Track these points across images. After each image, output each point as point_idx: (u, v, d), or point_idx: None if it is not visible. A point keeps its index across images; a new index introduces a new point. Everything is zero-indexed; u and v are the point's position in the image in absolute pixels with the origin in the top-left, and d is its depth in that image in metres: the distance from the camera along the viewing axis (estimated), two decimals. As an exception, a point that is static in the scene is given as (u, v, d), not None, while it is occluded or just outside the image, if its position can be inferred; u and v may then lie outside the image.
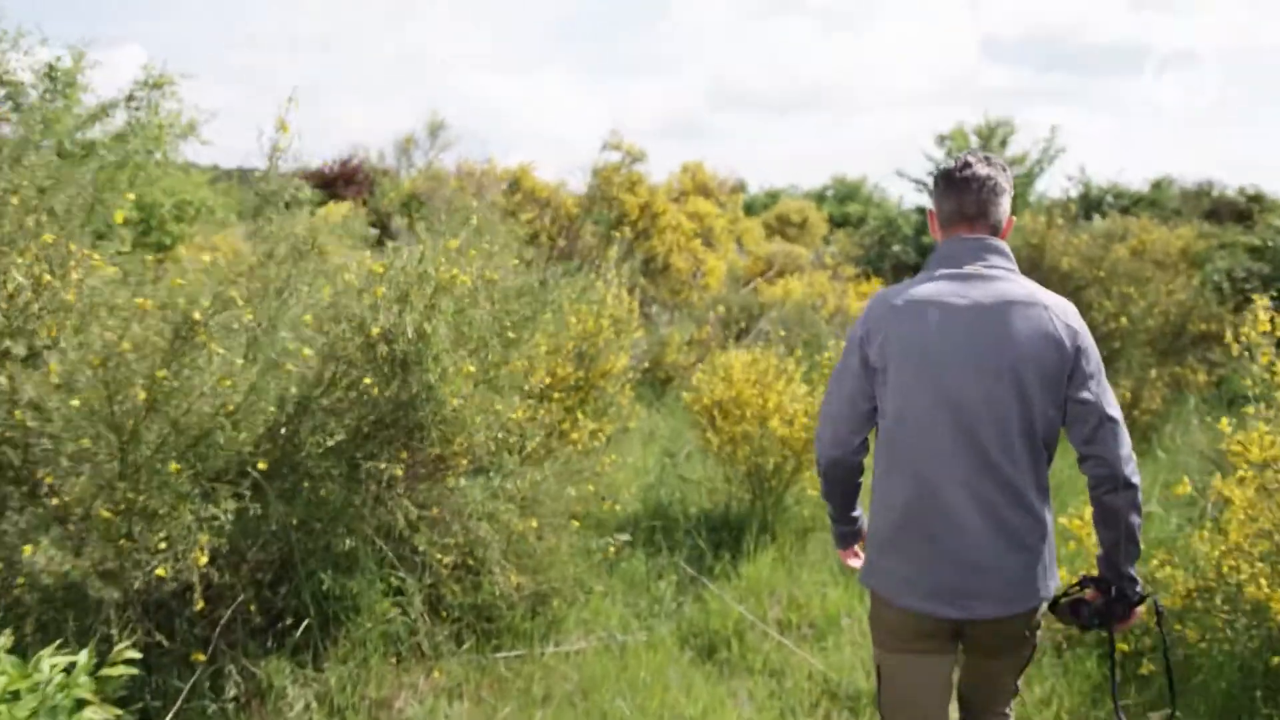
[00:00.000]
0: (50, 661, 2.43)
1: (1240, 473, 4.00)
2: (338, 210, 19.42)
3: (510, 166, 16.42)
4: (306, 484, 3.61)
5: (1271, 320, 4.08)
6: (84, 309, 3.27)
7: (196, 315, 2.98)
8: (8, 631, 2.50)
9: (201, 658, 3.47)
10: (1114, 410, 2.28)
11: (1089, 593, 2.38)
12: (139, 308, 2.95)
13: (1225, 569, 3.88)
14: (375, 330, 3.46)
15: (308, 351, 3.44)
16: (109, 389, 2.94)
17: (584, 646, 4.29)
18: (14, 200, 3.25)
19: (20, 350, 3.22)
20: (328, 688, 3.66)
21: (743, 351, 6.03)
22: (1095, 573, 2.41)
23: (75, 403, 3.01)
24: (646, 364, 8.63)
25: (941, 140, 19.47)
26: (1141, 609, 2.39)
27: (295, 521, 3.65)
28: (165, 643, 3.36)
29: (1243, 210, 13.49)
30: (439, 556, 3.85)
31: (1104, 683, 3.98)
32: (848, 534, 2.68)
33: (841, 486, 2.56)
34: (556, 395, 7.15)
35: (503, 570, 4.02)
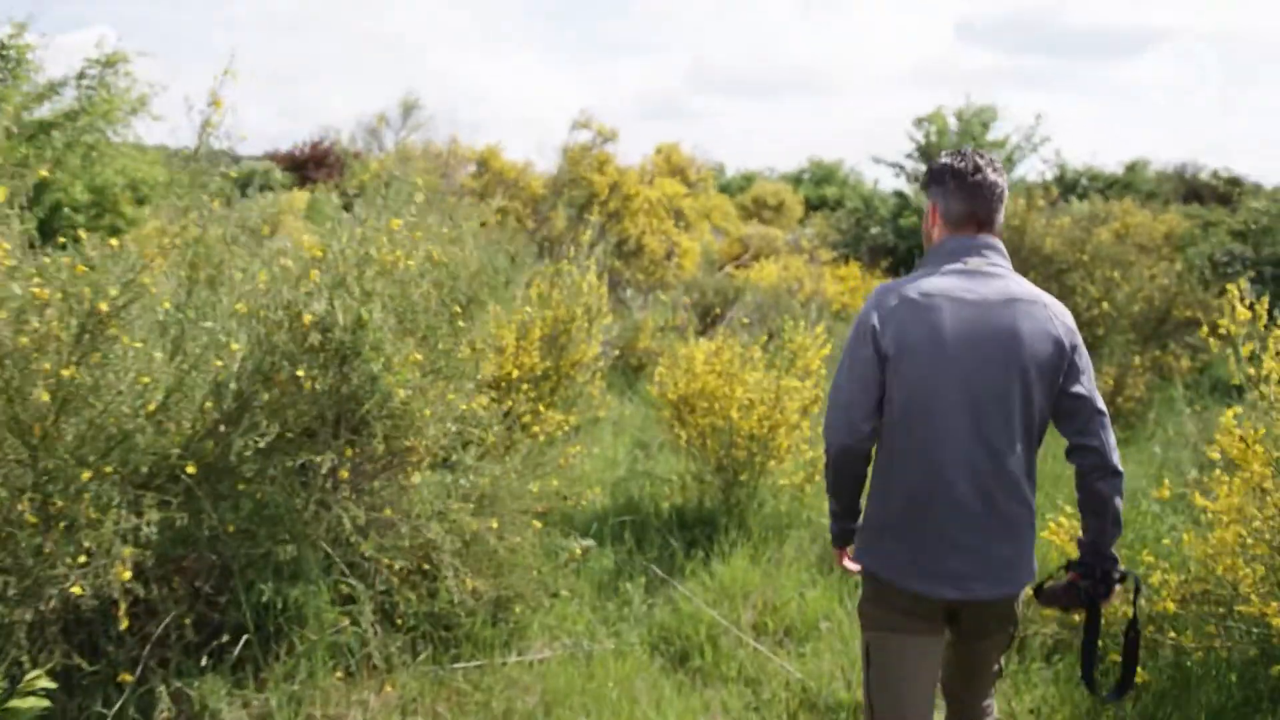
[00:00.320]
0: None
1: (1218, 472, 3.82)
2: (301, 197, 19.02)
3: (477, 147, 16.09)
4: (242, 487, 3.33)
5: (1251, 307, 3.88)
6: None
7: (103, 306, 2.69)
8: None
9: (129, 679, 3.20)
10: (1102, 405, 2.44)
11: (1072, 575, 2.49)
12: (35, 298, 2.65)
13: (1220, 570, 3.69)
14: (308, 318, 3.18)
15: (235, 345, 3.16)
16: (8, 389, 2.65)
17: (548, 656, 4.04)
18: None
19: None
20: (268, 708, 3.39)
21: (705, 341, 5.77)
22: (1074, 557, 2.52)
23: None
24: (618, 350, 8.38)
25: (920, 123, 19.24)
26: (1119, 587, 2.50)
27: (231, 529, 3.37)
28: (87, 665, 3.08)
29: (1223, 193, 13.34)
30: (389, 562, 3.58)
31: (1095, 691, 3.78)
32: (848, 531, 2.68)
33: (851, 477, 2.57)
34: (524, 386, 6.90)
35: (458, 575, 3.75)
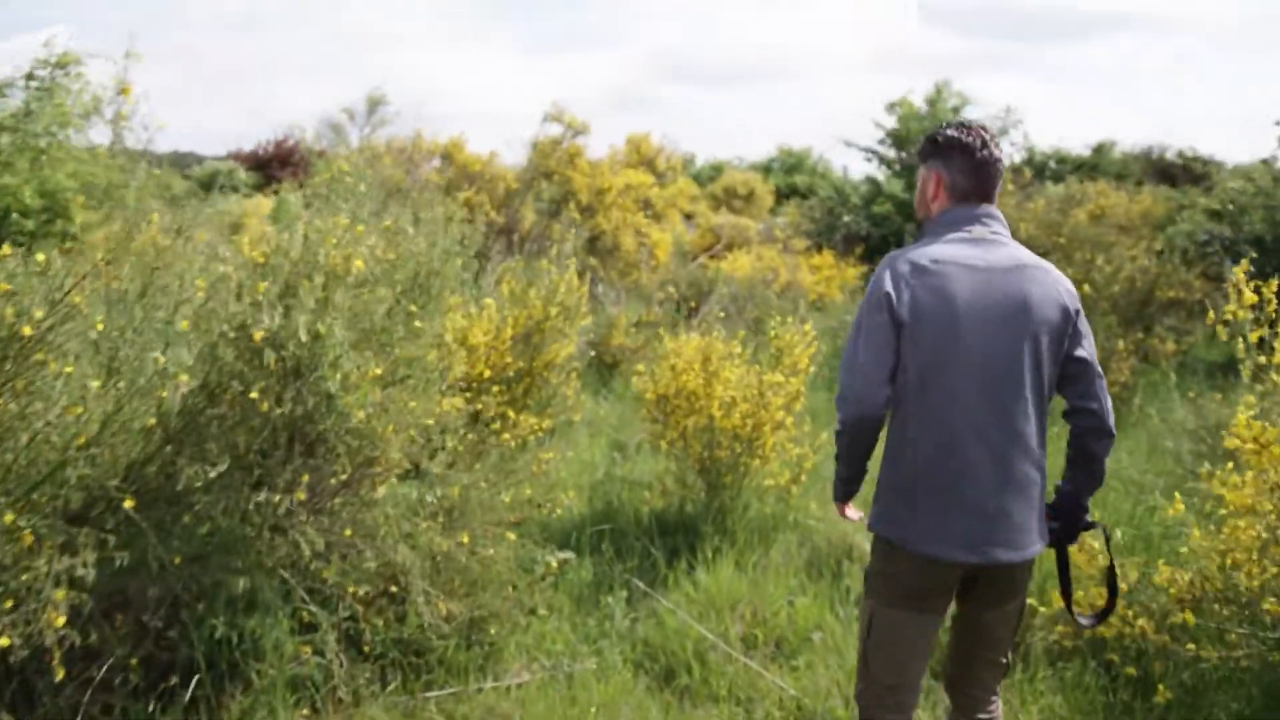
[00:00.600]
0: None
1: (1230, 465, 3.64)
2: (267, 204, 18.54)
3: (441, 140, 15.76)
4: (188, 518, 3.07)
5: (1258, 291, 3.72)
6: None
7: (27, 330, 2.43)
8: None
9: (69, 728, 2.95)
10: (1099, 368, 2.54)
11: (1046, 517, 2.56)
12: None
13: (1226, 566, 3.51)
14: (259, 335, 2.92)
15: (184, 377, 2.90)
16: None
17: (527, 679, 3.81)
18: None
19: None
20: (225, 751, 3.15)
21: (693, 336, 5.53)
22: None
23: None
24: (593, 352, 8.13)
25: (891, 108, 19.06)
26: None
27: (178, 560, 3.12)
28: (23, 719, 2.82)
29: (1199, 173, 13.25)
30: (352, 589, 3.34)
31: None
32: (853, 491, 2.77)
33: (864, 444, 2.60)
34: (495, 388, 6.65)
35: (428, 599, 3.52)
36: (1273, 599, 3.29)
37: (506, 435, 4.18)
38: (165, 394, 2.89)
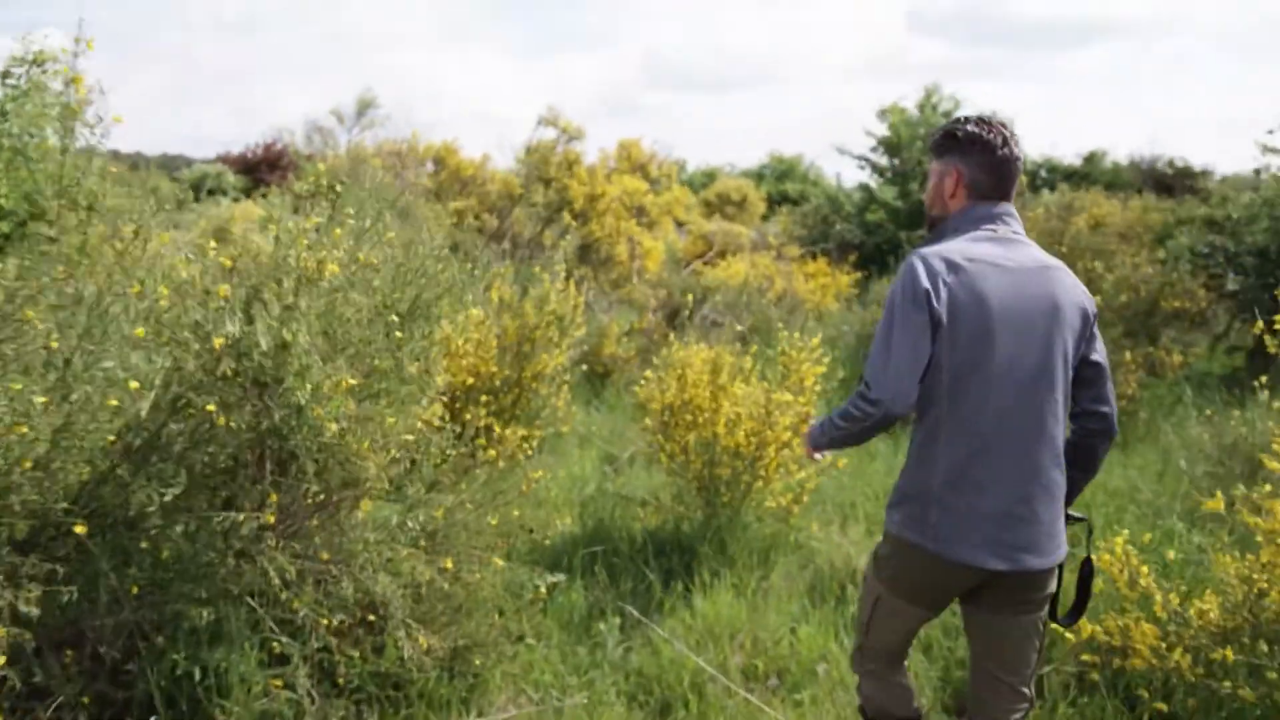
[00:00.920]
0: None
1: (1268, 487, 3.43)
2: (253, 209, 18.23)
3: (434, 143, 15.53)
4: (146, 544, 2.83)
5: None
6: None
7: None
8: None
9: (12, 774, 2.69)
10: (1109, 371, 2.55)
11: None
12: None
13: (1254, 595, 3.30)
14: (219, 341, 2.67)
15: (134, 385, 2.65)
16: None
17: (513, 715, 3.57)
18: None
19: None
20: (184, 799, 2.90)
21: (702, 347, 5.29)
22: None
23: None
24: (584, 365, 7.89)
25: (883, 114, 18.86)
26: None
27: (135, 590, 2.87)
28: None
29: (1198, 187, 13.08)
30: (325, 620, 3.10)
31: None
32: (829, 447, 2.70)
33: (874, 434, 2.52)
34: (484, 398, 6.41)
35: (409, 632, 3.27)
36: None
37: (493, 452, 3.93)
38: (116, 405, 2.64)
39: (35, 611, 2.45)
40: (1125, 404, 7.26)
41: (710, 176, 31.70)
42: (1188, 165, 24.67)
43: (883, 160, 18.99)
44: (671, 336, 8.43)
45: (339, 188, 4.42)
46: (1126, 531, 3.27)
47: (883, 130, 18.83)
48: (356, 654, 3.38)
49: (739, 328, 5.18)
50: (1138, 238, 8.55)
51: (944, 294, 2.35)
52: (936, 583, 2.49)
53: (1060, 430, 2.43)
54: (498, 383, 6.45)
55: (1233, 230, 10.33)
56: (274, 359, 2.70)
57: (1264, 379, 3.79)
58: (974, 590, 2.51)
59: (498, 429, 4.21)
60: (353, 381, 2.88)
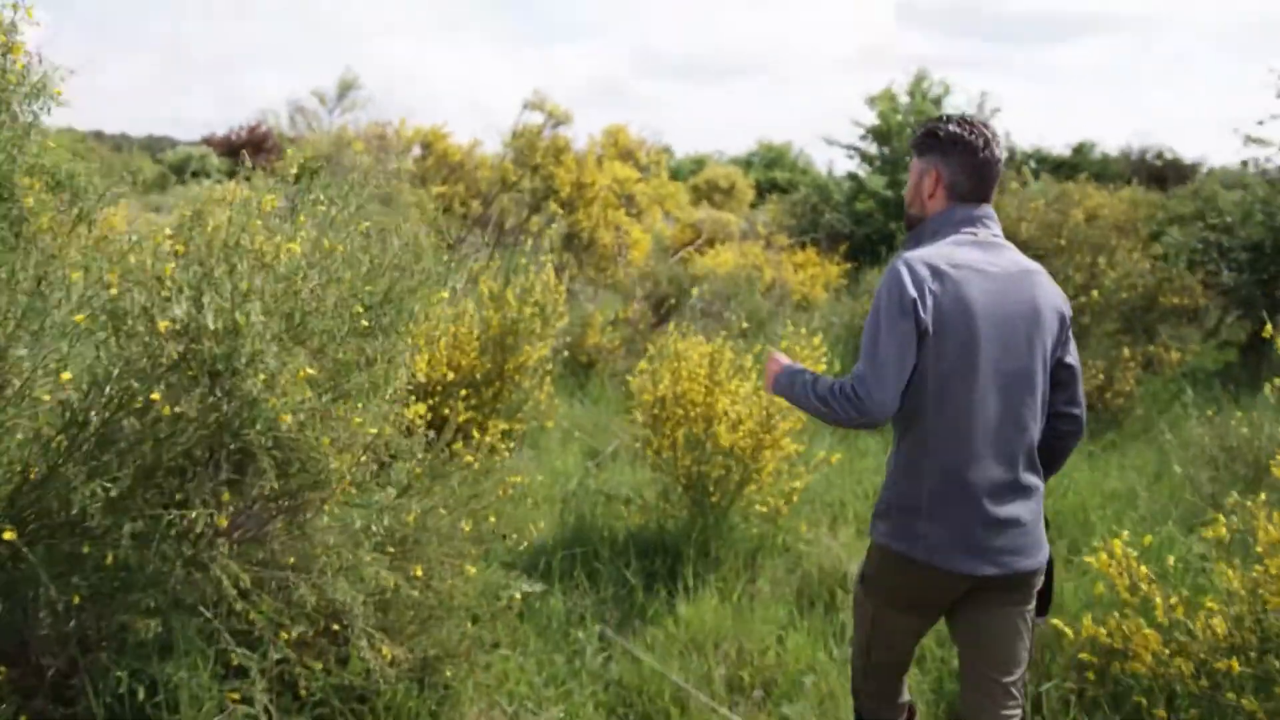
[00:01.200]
0: None
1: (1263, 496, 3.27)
2: (235, 190, 17.86)
3: (422, 127, 15.24)
4: (88, 548, 2.62)
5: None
6: None
7: None
8: None
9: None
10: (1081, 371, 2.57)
11: None
12: None
13: (1260, 607, 3.13)
14: (164, 325, 2.47)
15: (67, 375, 2.45)
16: None
17: (484, 729, 3.39)
18: None
19: None
20: (127, 824, 2.71)
21: (700, 340, 5.08)
22: None
23: None
24: (566, 352, 7.69)
25: (872, 102, 18.66)
26: None
27: (77, 599, 2.67)
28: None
29: (1183, 175, 12.95)
30: (283, 633, 2.90)
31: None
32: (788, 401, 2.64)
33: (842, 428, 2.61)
34: (464, 391, 6.21)
35: (371, 642, 3.07)
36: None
37: (470, 457, 3.73)
38: (47, 396, 2.44)
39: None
40: (1122, 401, 7.12)
41: (699, 164, 31.47)
42: (1177, 157, 24.63)
43: (872, 149, 18.80)
44: (671, 327, 8.23)
45: (314, 171, 4.20)
46: (1126, 533, 3.10)
47: (872, 118, 18.64)
48: (319, 665, 3.18)
49: (735, 319, 4.97)
50: (1135, 231, 8.38)
51: (930, 302, 2.32)
52: (929, 591, 2.47)
53: (1038, 434, 2.44)
54: (478, 376, 6.26)
55: (1226, 226, 10.21)
56: (225, 344, 2.49)
57: (1277, 381, 3.61)
58: (963, 595, 2.48)
59: (475, 431, 4.00)
60: (311, 371, 2.67)
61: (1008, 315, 2.36)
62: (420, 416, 6.16)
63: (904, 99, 18.70)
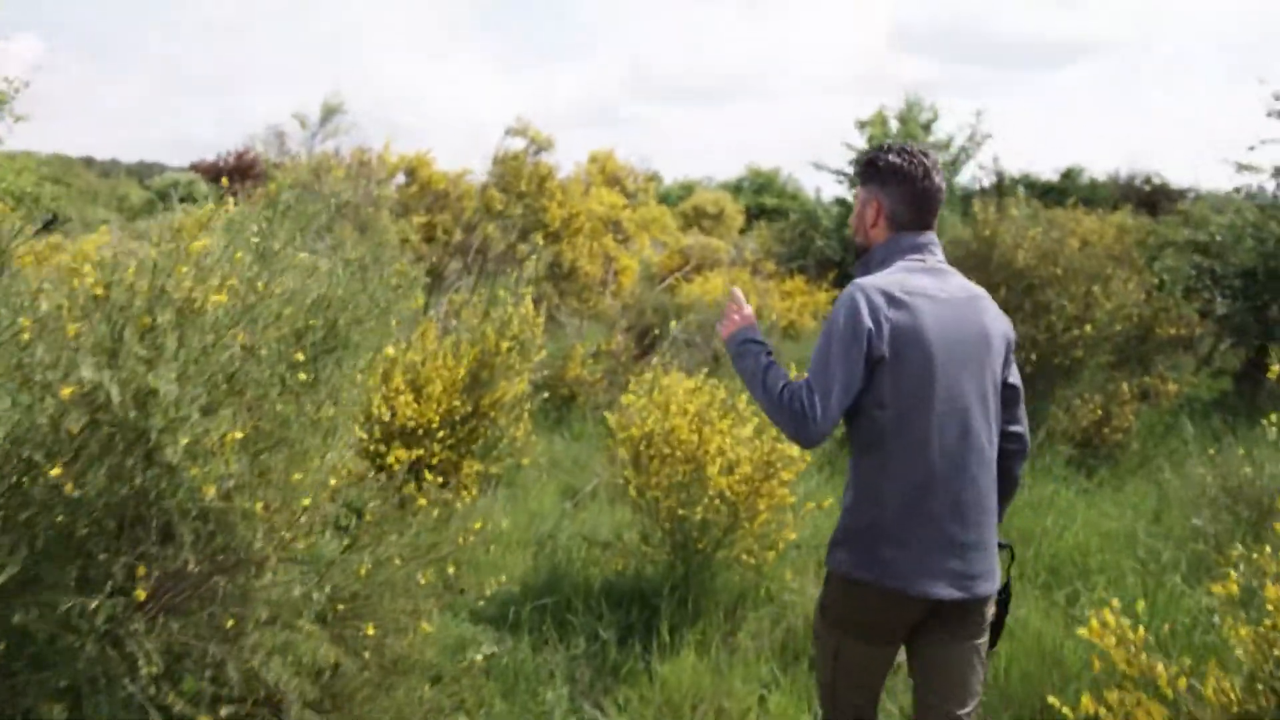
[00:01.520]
0: None
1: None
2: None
3: (407, 154, 15.03)
4: (-11, 625, 2.37)
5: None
6: None
7: None
8: None
9: None
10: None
11: None
12: None
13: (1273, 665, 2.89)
14: (67, 391, 2.23)
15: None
16: None
17: (440, 806, 3.13)
18: None
19: None
20: None
21: (683, 376, 4.83)
22: None
23: None
24: (546, 392, 7.42)
25: (862, 126, 18.56)
26: None
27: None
28: None
29: (1173, 201, 12.81)
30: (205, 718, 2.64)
31: None
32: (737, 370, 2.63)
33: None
34: (441, 434, 5.97)
35: (314, 720, 2.82)
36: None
37: (423, 500, 3.48)
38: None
39: None
40: (1120, 437, 6.90)
41: (688, 189, 31.34)
42: (1165, 182, 24.57)
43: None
44: (656, 360, 7.97)
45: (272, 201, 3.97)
46: (1117, 601, 2.86)
47: (862, 142, 18.51)
48: (256, 742, 2.92)
49: (716, 350, 4.74)
50: (1130, 260, 8.19)
51: (886, 330, 2.34)
52: (890, 617, 2.43)
53: (994, 455, 2.45)
54: (455, 417, 6.01)
55: (1218, 252, 10.04)
56: (137, 411, 2.25)
57: (1275, 416, 3.40)
58: (920, 622, 2.46)
59: (429, 477, 3.75)
60: (239, 435, 2.43)
61: (960, 339, 2.40)
62: (399, 461, 5.95)
63: (895, 124, 18.61)
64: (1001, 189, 20.34)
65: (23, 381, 2.42)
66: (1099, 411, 6.74)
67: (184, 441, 2.33)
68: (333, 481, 2.92)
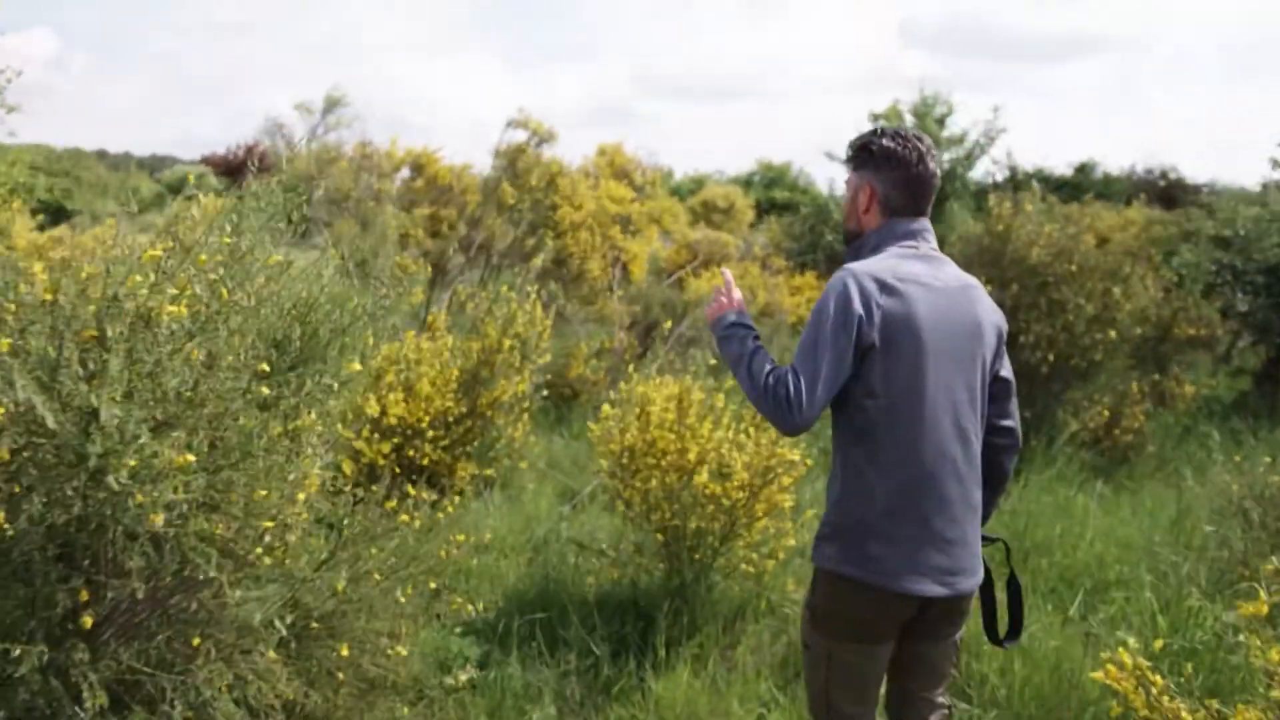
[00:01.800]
0: None
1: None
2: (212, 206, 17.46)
3: (413, 148, 14.86)
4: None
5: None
6: None
7: None
8: None
9: None
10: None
11: None
12: None
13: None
14: None
15: None
16: None
17: (416, 838, 2.96)
18: None
19: None
20: None
21: (665, 380, 4.63)
22: None
23: None
24: (547, 391, 7.23)
25: (876, 119, 18.33)
26: None
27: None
28: None
29: (1204, 202, 12.55)
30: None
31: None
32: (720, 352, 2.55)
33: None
34: (431, 433, 5.81)
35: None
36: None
37: (406, 516, 3.31)
38: None
39: None
40: (1131, 438, 6.68)
41: (698, 184, 31.09)
42: (1180, 178, 24.28)
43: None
44: (655, 362, 7.76)
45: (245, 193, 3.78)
46: (1133, 641, 2.66)
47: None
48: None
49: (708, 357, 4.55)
50: (1148, 257, 7.95)
51: (878, 318, 2.27)
52: (882, 616, 2.36)
53: (979, 449, 2.40)
54: (450, 417, 5.85)
55: (1241, 247, 9.79)
56: (78, 433, 2.08)
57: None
58: (908, 620, 2.41)
59: (411, 490, 3.58)
60: (191, 458, 2.25)
61: (953, 330, 2.34)
62: (385, 457, 5.78)
63: (909, 118, 18.38)
64: (1015, 184, 20.09)
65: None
66: (1106, 413, 6.53)
67: (130, 464, 2.16)
68: (301, 496, 2.75)
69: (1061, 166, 25.40)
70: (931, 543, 2.32)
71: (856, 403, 2.33)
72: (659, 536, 4.35)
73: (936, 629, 2.45)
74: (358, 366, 2.81)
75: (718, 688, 3.76)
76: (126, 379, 2.18)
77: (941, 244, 2.64)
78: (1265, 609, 2.85)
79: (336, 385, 2.95)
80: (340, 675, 3.06)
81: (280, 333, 2.91)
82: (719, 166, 46.65)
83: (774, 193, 29.96)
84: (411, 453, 5.69)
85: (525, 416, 6.34)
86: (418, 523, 3.43)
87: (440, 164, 14.74)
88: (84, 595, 2.27)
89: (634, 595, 4.39)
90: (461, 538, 3.56)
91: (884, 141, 2.44)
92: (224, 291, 2.58)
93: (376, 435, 5.59)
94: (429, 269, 11.07)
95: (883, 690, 2.57)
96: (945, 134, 18.54)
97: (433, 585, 3.38)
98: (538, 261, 10.58)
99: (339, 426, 4.90)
